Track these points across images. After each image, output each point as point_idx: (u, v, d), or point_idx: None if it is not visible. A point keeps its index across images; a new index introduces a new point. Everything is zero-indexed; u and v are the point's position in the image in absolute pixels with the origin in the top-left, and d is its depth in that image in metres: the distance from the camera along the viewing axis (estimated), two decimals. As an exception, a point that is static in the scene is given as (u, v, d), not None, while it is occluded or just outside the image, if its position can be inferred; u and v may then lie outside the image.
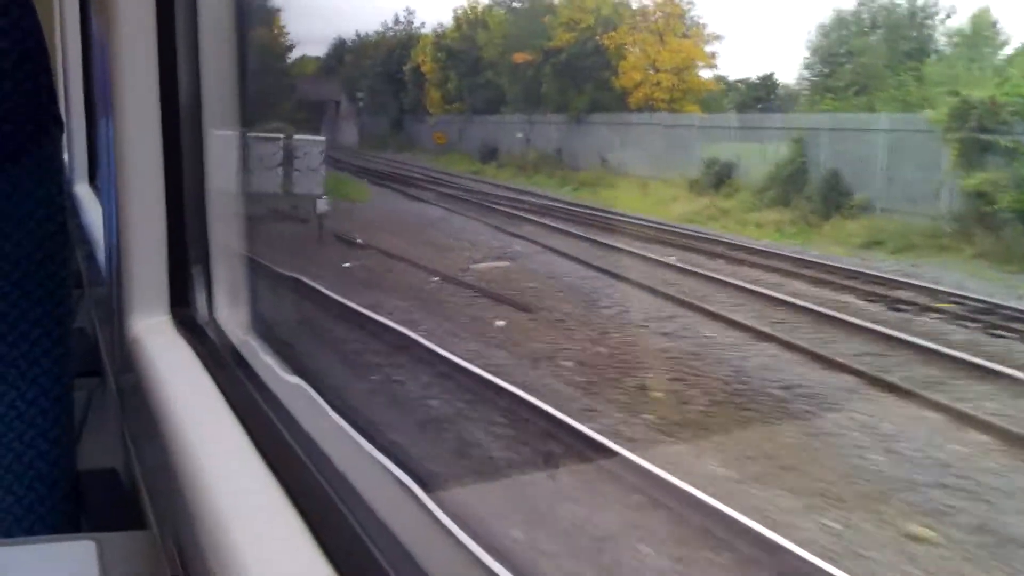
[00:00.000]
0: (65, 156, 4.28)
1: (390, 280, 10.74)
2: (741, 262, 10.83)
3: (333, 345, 7.91)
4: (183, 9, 1.53)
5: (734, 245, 11.75)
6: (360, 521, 0.83)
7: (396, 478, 0.94)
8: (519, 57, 23.64)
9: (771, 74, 18.60)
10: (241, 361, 1.33)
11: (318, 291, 9.07)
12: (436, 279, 10.55)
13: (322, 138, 19.22)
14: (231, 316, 1.51)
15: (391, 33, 28.93)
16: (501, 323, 8.60)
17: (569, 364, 7.28)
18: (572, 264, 11.29)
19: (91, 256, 2.78)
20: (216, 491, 0.98)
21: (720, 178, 14.74)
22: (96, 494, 1.78)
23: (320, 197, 16.49)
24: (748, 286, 9.36)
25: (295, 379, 1.17)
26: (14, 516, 1.64)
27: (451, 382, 6.59)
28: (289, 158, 17.49)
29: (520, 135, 23.60)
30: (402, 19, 29.82)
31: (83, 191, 4.14)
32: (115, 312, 1.72)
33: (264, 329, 1.43)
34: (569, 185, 18.96)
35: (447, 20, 28.26)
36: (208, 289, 1.54)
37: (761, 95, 18.67)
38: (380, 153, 25.79)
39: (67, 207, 1.80)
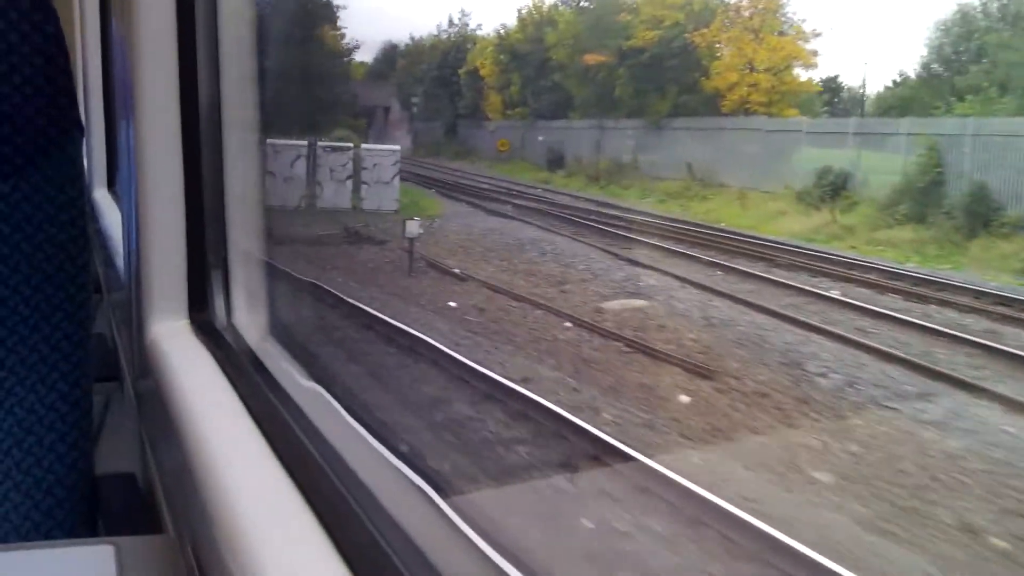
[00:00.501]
0: (84, 161, 4.31)
1: (518, 330, 8.18)
2: (907, 295, 8.88)
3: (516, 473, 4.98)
4: (203, 14, 1.54)
5: (889, 272, 9.71)
6: (378, 526, 0.83)
7: (414, 484, 0.93)
8: (591, 58, 22.24)
9: (880, 73, 18.68)
10: (259, 366, 1.33)
11: (439, 350, 6.82)
12: (568, 325, 8.27)
13: (395, 147, 18.07)
14: (250, 321, 1.51)
15: (444, 36, 27.76)
16: (685, 398, 6.18)
17: (826, 480, 4.80)
18: (725, 302, 8.86)
19: (109, 261, 2.79)
20: (234, 495, 0.98)
21: (835, 190, 12.94)
22: (114, 498, 1.78)
23: (400, 215, 15.07)
24: (953, 332, 7.33)
25: (312, 384, 1.16)
26: (32, 520, 1.65)
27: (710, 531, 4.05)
28: (358, 169, 16.91)
29: (590, 142, 22.02)
30: (456, 21, 28.80)
31: (101, 196, 4.16)
32: (133, 317, 1.72)
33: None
34: (652, 196, 17.42)
35: (509, 21, 27.28)
36: (226, 294, 1.55)
37: (864, 97, 17.13)
38: (436, 160, 24.57)
39: (87, 212, 1.81)
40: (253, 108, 1.54)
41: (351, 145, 17.17)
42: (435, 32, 27.53)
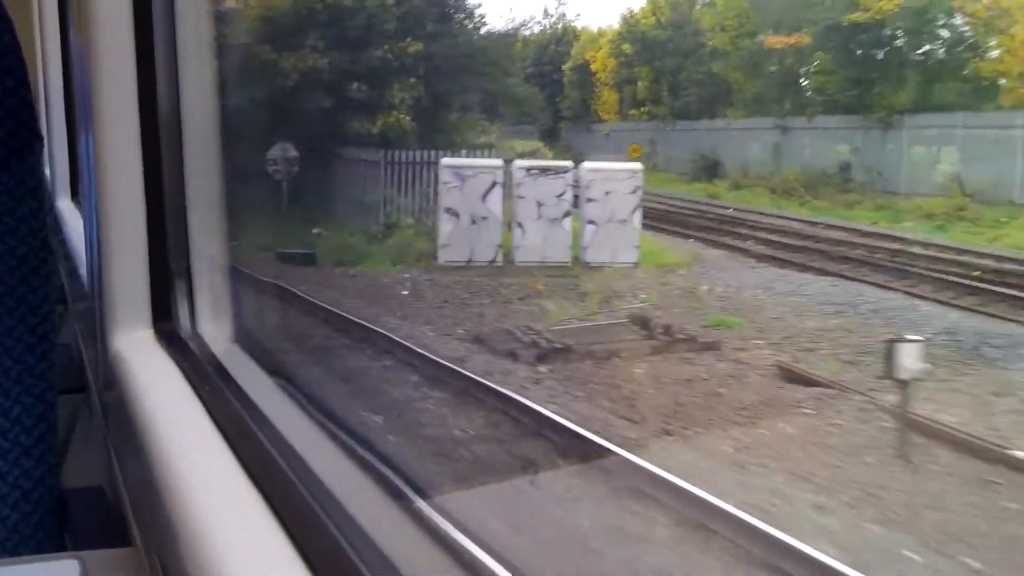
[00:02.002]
0: (47, 172, 4.26)
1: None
2: None
3: None
4: (162, 24, 1.53)
5: None
6: (345, 535, 0.82)
7: (381, 492, 0.93)
8: (775, 42, 17.58)
9: None
10: (224, 375, 1.32)
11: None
12: None
13: (634, 166, 13.07)
14: (215, 329, 1.50)
15: (539, 28, 22.80)
16: None
17: None
18: None
19: (74, 272, 2.77)
20: (200, 507, 0.97)
21: None
22: (81, 512, 1.76)
23: (642, 270, 11.27)
24: None
25: (278, 391, 1.16)
26: None
27: None
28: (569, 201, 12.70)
29: (761, 145, 17.37)
30: (552, 12, 24.13)
31: (65, 206, 4.12)
32: (97, 328, 1.71)
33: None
34: (907, 219, 12.59)
35: (634, 4, 22.10)
36: (191, 302, 1.54)
37: None
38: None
39: (49, 222, 1.79)
40: (213, 114, 1.54)
41: (568, 165, 12.89)
42: (513, 25, 21.86)
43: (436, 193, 13.92)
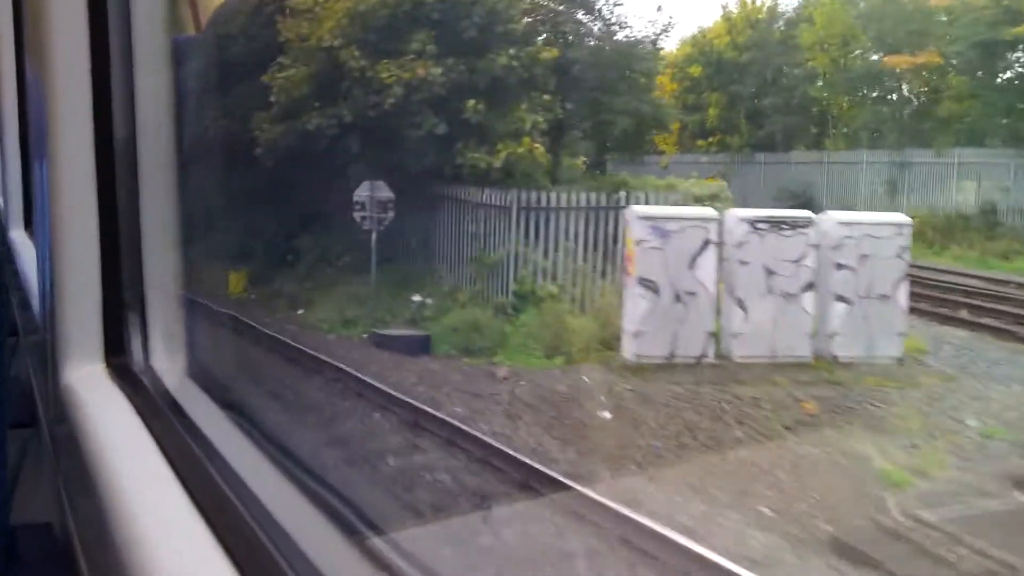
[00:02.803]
0: (0, 201, 4.21)
1: None
2: None
3: None
4: (118, 54, 1.52)
5: None
6: (297, 572, 0.81)
7: (335, 529, 0.92)
8: (896, 62, 14.37)
9: None
10: (178, 410, 1.30)
11: None
12: None
13: (901, 218, 9.61)
14: (168, 364, 1.48)
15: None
16: None
17: None
18: None
19: (26, 303, 2.72)
20: (151, 546, 0.96)
21: None
22: (30, 549, 1.73)
23: (910, 370, 8.21)
24: None
25: (230, 425, 1.14)
26: None
27: None
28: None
29: (872, 180, 14.30)
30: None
31: (19, 237, 4.05)
32: (49, 361, 1.68)
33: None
34: None
35: (704, 21, 18.83)
36: (144, 336, 1.52)
37: None
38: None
39: (2, 253, 1.76)
40: (169, 146, 1.52)
41: (808, 217, 9.24)
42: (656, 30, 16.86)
43: (608, 252, 10.77)
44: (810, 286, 8.89)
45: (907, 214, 10.43)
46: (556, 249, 11.01)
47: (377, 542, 0.93)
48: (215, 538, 0.93)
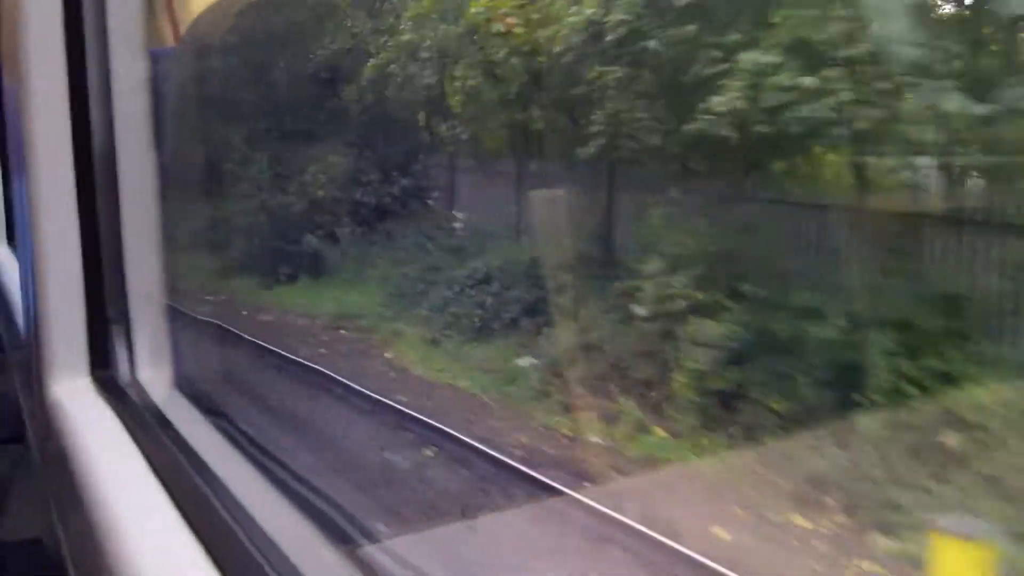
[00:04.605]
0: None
1: None
2: None
3: None
4: (96, 68, 1.51)
5: None
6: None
7: (323, 538, 0.92)
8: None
9: None
10: (165, 422, 1.30)
11: None
12: None
13: None
14: (154, 375, 1.48)
15: None
16: None
17: None
18: None
19: (10, 318, 2.71)
20: (141, 560, 0.95)
21: None
22: (20, 566, 1.72)
23: None
24: None
25: (218, 436, 1.14)
26: None
27: None
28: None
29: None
30: None
31: (2, 252, 4.04)
32: (35, 376, 1.67)
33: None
34: None
35: None
36: (130, 348, 1.51)
37: None
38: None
39: None
40: (149, 158, 1.52)
41: None
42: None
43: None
44: None
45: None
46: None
47: (366, 551, 0.93)
48: (204, 551, 0.93)
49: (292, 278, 10.70)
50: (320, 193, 11.32)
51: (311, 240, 10.69)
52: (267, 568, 0.84)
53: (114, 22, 1.49)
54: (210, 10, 3.13)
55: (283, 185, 11.22)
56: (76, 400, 1.48)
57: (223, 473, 1.08)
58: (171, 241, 1.63)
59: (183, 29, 2.68)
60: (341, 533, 0.95)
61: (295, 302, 10.22)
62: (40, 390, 1.61)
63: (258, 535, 0.92)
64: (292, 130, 11.80)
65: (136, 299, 1.53)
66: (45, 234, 1.55)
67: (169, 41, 2.57)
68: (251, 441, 1.16)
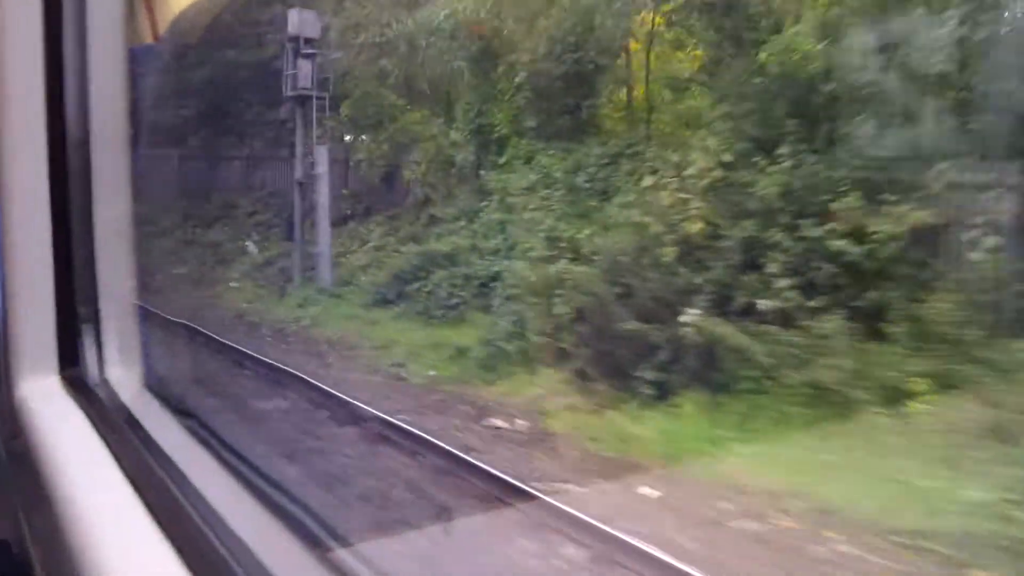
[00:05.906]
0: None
1: None
2: None
3: None
4: (73, 65, 1.50)
5: None
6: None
7: (294, 539, 0.91)
8: None
9: None
10: (134, 422, 1.28)
11: None
12: None
13: None
14: (124, 375, 1.46)
15: None
16: None
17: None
18: None
19: None
20: (109, 561, 0.94)
21: None
22: None
23: None
24: None
25: (187, 436, 1.13)
26: None
27: None
28: None
29: None
30: None
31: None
32: (2, 374, 1.65)
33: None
34: None
35: None
36: (99, 348, 1.49)
37: None
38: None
39: None
40: (124, 157, 1.50)
41: None
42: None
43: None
44: None
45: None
46: None
47: (338, 554, 0.92)
48: (173, 550, 0.92)
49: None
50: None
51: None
52: (235, 566, 0.83)
53: (93, 20, 1.48)
54: (191, 7, 3.11)
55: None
56: (44, 399, 1.46)
57: (190, 471, 1.07)
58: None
59: (163, 27, 2.66)
60: (309, 532, 0.94)
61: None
62: (7, 388, 1.59)
63: (226, 535, 0.91)
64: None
65: (107, 298, 1.51)
66: (15, 232, 1.53)
67: (149, 38, 2.55)
68: (219, 440, 1.15)
